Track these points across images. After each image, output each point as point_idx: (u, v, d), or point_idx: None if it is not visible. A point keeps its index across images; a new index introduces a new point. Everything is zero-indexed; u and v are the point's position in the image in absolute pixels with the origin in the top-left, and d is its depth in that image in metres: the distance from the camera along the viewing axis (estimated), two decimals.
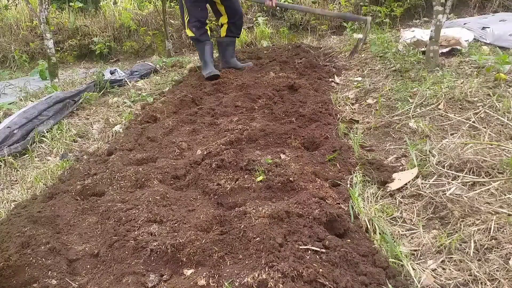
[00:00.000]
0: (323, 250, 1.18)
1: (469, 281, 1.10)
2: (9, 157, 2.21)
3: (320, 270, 1.08)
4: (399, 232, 1.37)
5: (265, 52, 4.40)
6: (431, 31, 2.69)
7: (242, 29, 5.87)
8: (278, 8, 3.67)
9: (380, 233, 1.32)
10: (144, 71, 4.26)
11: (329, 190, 1.56)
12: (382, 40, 3.74)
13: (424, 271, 1.15)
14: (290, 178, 1.58)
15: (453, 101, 2.14)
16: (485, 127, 1.84)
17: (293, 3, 5.35)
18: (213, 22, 5.12)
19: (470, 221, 1.30)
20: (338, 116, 2.42)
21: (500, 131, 1.80)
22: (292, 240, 1.21)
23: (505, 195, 1.38)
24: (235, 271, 1.10)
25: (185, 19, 3.46)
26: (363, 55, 3.64)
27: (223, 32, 3.64)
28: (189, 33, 3.50)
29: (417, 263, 1.19)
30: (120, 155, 2.00)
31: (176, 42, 5.82)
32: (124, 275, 1.17)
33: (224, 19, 3.61)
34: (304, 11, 3.87)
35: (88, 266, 1.24)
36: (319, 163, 1.79)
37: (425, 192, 1.50)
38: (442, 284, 1.11)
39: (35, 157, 2.29)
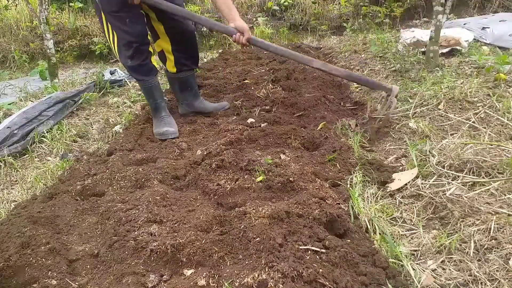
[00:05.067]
0: (323, 250, 1.18)
1: (469, 281, 1.10)
2: (9, 157, 2.20)
3: (320, 270, 1.08)
4: (399, 232, 1.37)
5: (265, 52, 4.39)
6: (431, 31, 2.69)
7: None
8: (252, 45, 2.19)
9: (380, 233, 1.32)
10: None
11: (329, 190, 1.56)
12: (382, 40, 3.74)
13: (424, 271, 1.16)
14: (290, 178, 1.58)
15: (453, 101, 2.14)
16: (485, 127, 1.84)
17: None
18: None
19: (470, 221, 1.30)
20: None
21: (500, 131, 1.80)
22: (292, 240, 1.21)
23: (505, 195, 1.38)
24: (235, 271, 1.10)
25: (110, 40, 2.21)
26: (363, 55, 3.64)
27: (170, 65, 2.43)
28: (125, 65, 2.29)
29: (417, 263, 1.19)
30: (120, 155, 2.00)
31: None
32: (124, 275, 1.16)
33: (164, 44, 2.36)
34: (297, 60, 2.27)
35: (88, 266, 1.24)
36: (319, 163, 1.79)
37: (425, 192, 1.50)
38: (442, 284, 1.11)
39: (35, 158, 2.29)
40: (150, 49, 2.29)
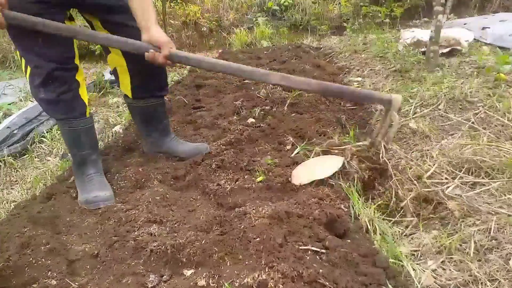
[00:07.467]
0: (323, 251, 1.18)
1: (469, 282, 1.10)
2: (9, 157, 2.20)
3: (320, 270, 1.08)
4: (399, 232, 1.37)
5: (265, 52, 4.40)
6: (431, 31, 2.69)
7: (242, 30, 5.80)
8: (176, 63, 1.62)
9: (380, 234, 1.32)
10: None
11: (329, 190, 1.56)
12: (382, 40, 3.74)
13: (424, 271, 1.15)
14: (290, 179, 1.58)
15: (453, 101, 2.14)
16: (485, 128, 1.84)
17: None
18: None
19: (470, 221, 1.30)
20: None
21: (500, 132, 1.80)
22: (292, 240, 1.21)
23: (505, 196, 1.38)
24: (235, 272, 1.10)
25: (23, 68, 1.58)
26: (363, 55, 3.64)
27: (124, 87, 1.81)
28: (36, 97, 1.63)
29: (417, 264, 1.19)
30: (119, 156, 2.00)
31: (176, 43, 5.82)
32: (124, 275, 1.16)
33: (116, 59, 1.72)
34: (246, 76, 1.72)
35: (88, 267, 1.24)
36: None
37: (425, 192, 1.50)
38: (442, 285, 1.11)
39: (35, 158, 2.28)
40: (78, 78, 1.62)
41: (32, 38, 1.47)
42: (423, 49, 3.11)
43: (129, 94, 1.82)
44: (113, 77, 3.76)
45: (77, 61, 1.61)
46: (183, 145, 1.96)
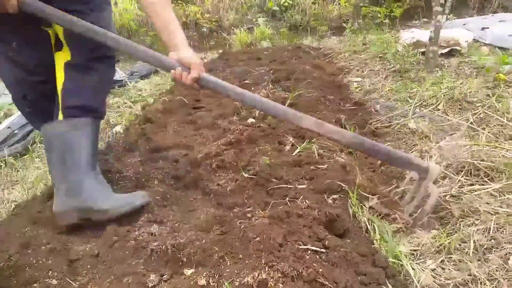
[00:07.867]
0: (323, 250, 1.18)
1: (468, 281, 1.10)
2: (10, 157, 2.21)
3: (320, 270, 1.08)
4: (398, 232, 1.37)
5: (265, 53, 4.40)
6: (431, 31, 2.70)
7: (243, 30, 5.78)
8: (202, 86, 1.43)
9: (380, 233, 1.32)
10: (144, 71, 4.26)
11: None
12: (382, 40, 3.74)
13: (423, 271, 1.16)
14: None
15: (453, 102, 2.14)
16: (484, 128, 1.84)
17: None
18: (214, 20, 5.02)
19: (470, 221, 1.31)
20: None
21: (499, 132, 1.81)
22: (292, 240, 1.21)
23: (504, 196, 1.38)
24: (235, 271, 1.10)
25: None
26: (362, 56, 3.65)
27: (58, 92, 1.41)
28: (20, 111, 1.56)
29: (416, 263, 1.20)
30: (120, 155, 2.00)
31: None
32: (125, 275, 1.17)
33: (63, 55, 1.38)
34: (277, 115, 1.51)
35: (89, 266, 1.24)
36: None
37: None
38: (442, 284, 1.11)
39: (36, 158, 2.29)
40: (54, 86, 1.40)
41: (6, 44, 1.28)
42: (422, 50, 3.12)
43: (59, 100, 1.38)
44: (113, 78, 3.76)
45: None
46: (108, 195, 1.41)
